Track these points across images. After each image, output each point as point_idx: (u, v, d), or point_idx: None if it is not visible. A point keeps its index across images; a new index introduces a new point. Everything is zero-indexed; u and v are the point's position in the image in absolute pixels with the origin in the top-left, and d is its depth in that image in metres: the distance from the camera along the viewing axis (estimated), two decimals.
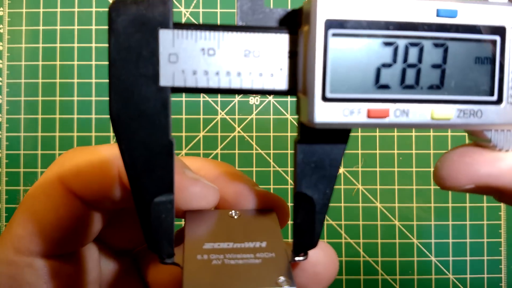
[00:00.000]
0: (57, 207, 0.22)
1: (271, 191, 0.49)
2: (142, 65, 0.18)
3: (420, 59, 0.18)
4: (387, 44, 0.18)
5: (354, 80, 0.18)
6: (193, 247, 0.20)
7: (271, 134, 0.49)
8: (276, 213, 0.23)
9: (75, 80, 0.49)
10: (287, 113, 0.49)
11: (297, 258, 0.20)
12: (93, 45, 0.50)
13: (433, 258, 0.49)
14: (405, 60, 0.18)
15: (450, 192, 0.49)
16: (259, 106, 0.49)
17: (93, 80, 0.49)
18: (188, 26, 0.18)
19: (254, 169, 0.49)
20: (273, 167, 0.49)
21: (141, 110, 0.18)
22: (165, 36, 0.18)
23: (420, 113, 0.18)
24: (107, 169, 0.22)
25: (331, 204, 0.52)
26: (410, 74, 0.18)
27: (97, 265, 0.26)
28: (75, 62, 0.49)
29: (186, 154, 0.49)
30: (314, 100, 0.18)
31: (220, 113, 0.49)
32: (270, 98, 0.49)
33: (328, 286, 0.22)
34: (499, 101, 0.19)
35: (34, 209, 0.23)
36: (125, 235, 0.26)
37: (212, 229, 0.21)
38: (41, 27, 0.50)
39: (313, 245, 0.20)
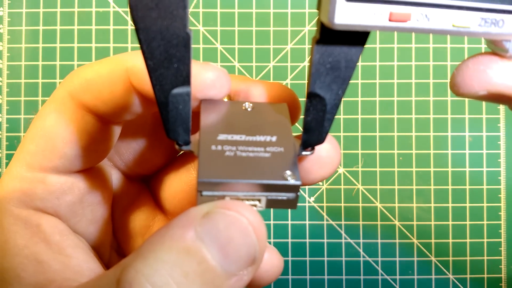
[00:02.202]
0: (68, 122, 0.22)
1: None
2: None
3: None
4: None
5: None
6: (207, 137, 0.21)
7: None
8: (289, 106, 0.23)
9: None
10: None
11: (304, 152, 0.21)
12: (93, 45, 0.50)
13: (433, 258, 0.49)
14: None
15: (450, 192, 0.49)
16: None
17: None
18: None
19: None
20: None
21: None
22: None
23: (441, 18, 0.18)
24: (116, 77, 0.22)
25: (331, 204, 0.52)
26: None
27: (110, 185, 0.26)
28: (75, 62, 0.50)
29: None
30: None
31: None
32: None
33: (331, 174, 0.23)
34: None
35: (46, 125, 0.22)
36: (137, 158, 0.27)
37: (226, 120, 0.22)
38: (41, 27, 0.50)
39: (321, 141, 0.21)
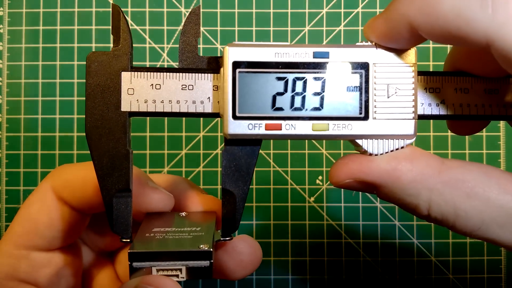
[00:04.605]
0: (49, 211, 0.29)
1: (271, 191, 0.49)
2: (109, 96, 0.25)
3: (304, 89, 0.25)
4: (280, 78, 0.25)
5: (256, 104, 0.25)
6: (144, 230, 0.27)
7: None
8: (217, 213, 0.29)
9: (75, 80, 0.49)
10: None
11: (222, 239, 0.27)
12: (93, 45, 0.50)
13: (433, 258, 0.49)
14: (293, 90, 0.25)
15: None
16: None
17: None
18: (142, 68, 0.25)
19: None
20: (273, 167, 0.49)
21: (107, 128, 0.25)
22: (125, 76, 0.25)
23: (304, 126, 0.25)
24: (88, 182, 0.28)
25: (331, 204, 0.52)
26: (298, 100, 0.25)
27: (81, 259, 0.32)
28: (75, 62, 0.50)
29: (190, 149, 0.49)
30: (228, 118, 0.24)
31: None
32: None
33: (252, 271, 0.29)
34: (365, 117, 0.25)
35: (31, 212, 0.29)
36: (103, 239, 0.33)
37: (162, 222, 0.28)
38: (41, 27, 0.50)
39: (235, 229, 0.26)
